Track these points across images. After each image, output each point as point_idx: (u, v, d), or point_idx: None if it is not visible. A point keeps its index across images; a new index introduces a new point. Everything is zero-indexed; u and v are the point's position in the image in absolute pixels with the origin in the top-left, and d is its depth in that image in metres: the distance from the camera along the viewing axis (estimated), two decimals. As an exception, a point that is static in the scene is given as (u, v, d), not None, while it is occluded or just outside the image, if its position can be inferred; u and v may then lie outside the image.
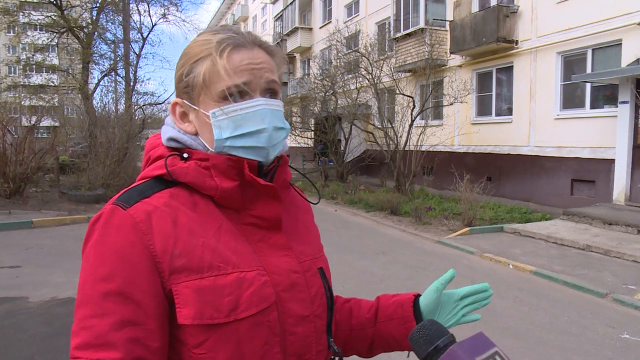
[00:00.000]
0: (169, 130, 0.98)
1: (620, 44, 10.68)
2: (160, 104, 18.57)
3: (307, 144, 21.25)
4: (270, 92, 0.95)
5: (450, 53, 15.41)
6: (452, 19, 15.11)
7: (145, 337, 0.81)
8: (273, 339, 0.89)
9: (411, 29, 16.56)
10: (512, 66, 13.73)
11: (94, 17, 17.91)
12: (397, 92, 15.41)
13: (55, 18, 17.31)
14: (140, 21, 21.31)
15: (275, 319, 0.89)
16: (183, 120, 0.97)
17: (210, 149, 0.93)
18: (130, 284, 0.82)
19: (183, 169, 0.91)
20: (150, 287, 0.83)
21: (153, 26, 19.35)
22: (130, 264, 0.83)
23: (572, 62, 12.14)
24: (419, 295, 1.13)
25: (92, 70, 19.37)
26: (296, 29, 28.00)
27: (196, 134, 0.96)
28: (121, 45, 18.55)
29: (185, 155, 0.94)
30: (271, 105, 0.93)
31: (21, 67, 21.14)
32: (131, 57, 18.41)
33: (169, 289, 0.84)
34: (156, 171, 0.93)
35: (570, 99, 12.26)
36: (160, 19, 19.51)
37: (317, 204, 1.18)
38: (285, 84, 28.55)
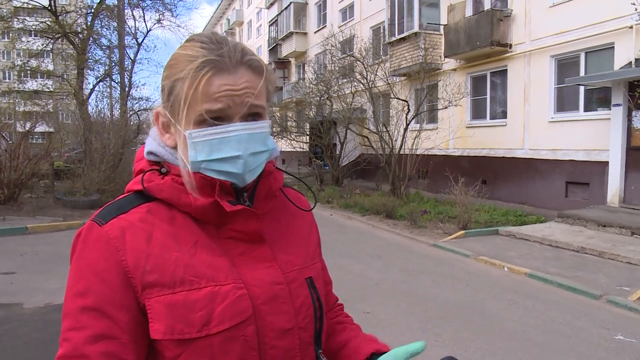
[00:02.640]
0: (150, 143, 0.98)
1: (613, 47, 10.75)
2: (154, 109, 18.52)
3: (303, 149, 21.27)
4: (253, 114, 0.92)
5: (445, 57, 15.48)
6: (446, 23, 15.18)
7: (119, 351, 0.83)
8: (250, 353, 0.88)
9: (405, 33, 16.63)
10: (506, 69, 13.80)
11: (89, 23, 17.92)
12: (392, 96, 15.46)
13: (50, 24, 17.29)
14: (135, 27, 21.39)
15: (253, 332, 0.88)
16: (165, 130, 0.97)
17: (188, 166, 0.92)
18: (104, 300, 0.84)
19: (159, 185, 0.92)
20: (124, 302, 0.85)
21: (148, 32, 19.54)
22: (104, 280, 0.85)
23: (565, 66, 12.21)
24: (381, 353, 1.02)
25: (87, 76, 19.38)
26: (291, 33, 28.06)
27: (176, 148, 0.95)
28: (116, 50, 18.55)
29: (164, 170, 0.95)
30: (250, 129, 0.90)
31: (16, 72, 21.11)
32: (126, 63, 18.42)
33: (143, 304, 0.86)
34: (136, 186, 0.95)
35: (564, 102, 12.33)
36: (155, 24, 19.59)
37: (311, 210, 1.14)
38: (281, 88, 28.60)
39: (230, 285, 0.88)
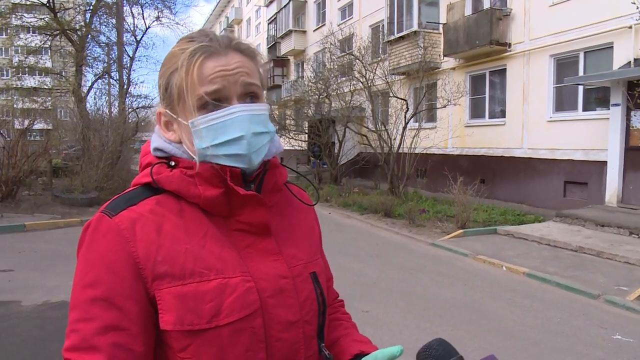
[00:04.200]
0: (155, 139, 1.00)
1: (612, 47, 10.75)
2: (153, 107, 18.45)
3: (301, 147, 21.26)
4: (250, 95, 0.94)
5: (444, 56, 15.47)
6: (445, 22, 15.17)
7: (128, 342, 0.84)
8: (257, 345, 0.89)
9: (405, 32, 16.61)
10: (505, 69, 13.79)
11: (88, 20, 17.87)
12: (391, 94, 15.45)
13: (48, 20, 17.25)
14: (133, 24, 21.31)
15: (260, 325, 0.89)
16: (168, 128, 0.99)
17: (195, 157, 0.94)
18: (114, 291, 0.84)
19: (168, 177, 0.93)
20: (134, 293, 0.85)
21: (147, 29, 19.34)
22: (114, 270, 0.85)
23: (564, 65, 12.21)
24: (366, 354, 1.02)
25: (85, 73, 19.35)
26: (290, 31, 28.02)
27: (180, 142, 0.97)
28: (115, 48, 18.52)
29: (172, 163, 0.96)
30: (250, 110, 0.92)
31: (14, 69, 21.06)
32: (125, 60, 18.39)
33: (152, 295, 0.86)
34: (144, 179, 0.95)
35: (563, 101, 12.33)
36: (153, 21, 19.52)
37: (314, 205, 1.16)
38: (279, 86, 28.58)
39: (238, 277, 0.89)
